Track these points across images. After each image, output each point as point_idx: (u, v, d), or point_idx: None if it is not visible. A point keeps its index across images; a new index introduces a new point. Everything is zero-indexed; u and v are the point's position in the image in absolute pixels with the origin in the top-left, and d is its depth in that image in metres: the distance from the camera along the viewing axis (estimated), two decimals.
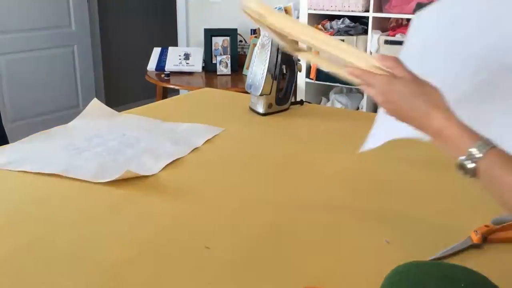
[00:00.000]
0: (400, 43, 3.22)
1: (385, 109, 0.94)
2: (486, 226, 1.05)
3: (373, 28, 3.31)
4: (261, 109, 1.90)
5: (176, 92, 4.40)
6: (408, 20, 3.34)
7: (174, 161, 1.47)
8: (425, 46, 1.20)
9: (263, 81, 1.83)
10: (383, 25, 3.42)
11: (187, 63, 4.08)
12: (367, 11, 3.30)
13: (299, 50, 1.12)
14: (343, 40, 3.35)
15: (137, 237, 1.06)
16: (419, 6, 3.10)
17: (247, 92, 1.98)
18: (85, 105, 1.93)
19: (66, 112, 4.78)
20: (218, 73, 3.99)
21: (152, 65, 4.14)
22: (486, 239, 1.03)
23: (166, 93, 4.09)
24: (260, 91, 1.84)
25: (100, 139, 1.62)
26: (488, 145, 0.79)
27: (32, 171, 1.37)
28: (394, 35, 3.26)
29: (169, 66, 4.05)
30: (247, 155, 1.54)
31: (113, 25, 5.55)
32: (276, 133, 1.74)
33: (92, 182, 1.32)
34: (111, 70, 5.57)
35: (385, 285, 0.76)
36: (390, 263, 0.81)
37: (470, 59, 1.09)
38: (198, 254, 0.99)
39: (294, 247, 1.02)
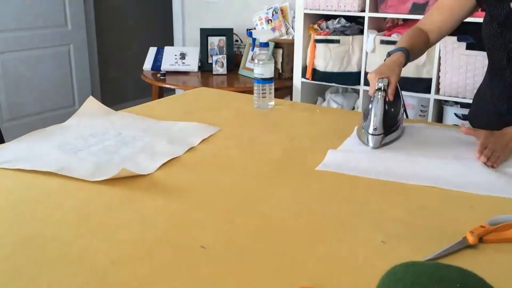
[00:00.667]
0: (395, 43, 3.22)
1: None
2: (482, 226, 1.05)
3: (369, 28, 3.31)
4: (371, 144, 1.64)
5: (172, 91, 4.41)
6: (404, 20, 3.35)
7: (170, 160, 1.47)
8: None
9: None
10: (379, 25, 3.42)
11: (183, 63, 4.08)
12: (363, 11, 3.30)
13: None
14: (338, 41, 3.37)
15: (133, 236, 1.06)
16: (415, 6, 3.11)
17: (243, 92, 1.97)
18: (81, 105, 1.92)
19: (62, 111, 4.78)
20: (214, 72, 4.00)
21: (148, 64, 4.14)
22: (482, 240, 1.03)
23: (162, 92, 4.09)
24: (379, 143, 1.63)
25: (96, 138, 1.62)
26: None
27: (28, 169, 1.37)
28: (390, 35, 3.26)
29: (165, 66, 4.05)
30: (243, 155, 1.54)
31: (109, 24, 5.54)
32: (272, 133, 1.74)
33: (88, 181, 1.32)
34: (107, 69, 5.57)
35: (380, 285, 0.76)
36: (386, 263, 0.81)
37: None
38: (193, 254, 0.99)
39: (290, 247, 1.02)
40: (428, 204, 1.22)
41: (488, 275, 0.76)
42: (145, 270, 0.94)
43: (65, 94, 4.95)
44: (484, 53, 1.83)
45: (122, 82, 5.74)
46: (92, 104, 1.91)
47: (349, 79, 3.43)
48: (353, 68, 3.40)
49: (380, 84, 1.58)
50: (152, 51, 4.22)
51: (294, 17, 3.72)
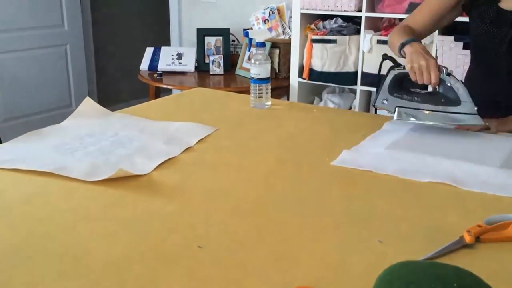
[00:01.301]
0: None
1: None
2: (479, 226, 1.05)
3: (366, 28, 3.32)
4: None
5: (168, 92, 4.40)
6: (401, 20, 3.34)
7: (166, 160, 1.47)
8: None
9: None
10: (376, 25, 3.42)
11: (179, 63, 4.07)
12: (360, 11, 3.30)
13: None
14: (335, 41, 3.37)
15: (129, 236, 1.06)
16: (412, 6, 3.11)
17: (239, 92, 1.97)
18: (77, 105, 1.92)
19: (59, 111, 4.77)
20: (210, 72, 3.99)
21: (144, 64, 4.13)
22: (479, 239, 1.03)
23: (159, 92, 4.08)
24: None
25: (92, 139, 1.62)
26: None
27: (25, 170, 1.37)
28: (386, 35, 3.26)
29: (162, 66, 4.04)
30: (240, 155, 1.54)
31: (105, 24, 5.54)
32: (269, 133, 1.74)
33: (85, 181, 1.31)
34: (103, 69, 5.56)
35: (377, 284, 0.76)
36: (383, 263, 0.81)
37: None
38: (190, 253, 0.99)
39: (286, 247, 1.02)
40: (425, 203, 1.22)
41: (485, 274, 0.76)
42: (142, 270, 0.93)
43: (62, 94, 4.94)
44: None
45: (119, 82, 5.73)
46: (89, 105, 1.91)
47: (346, 79, 3.43)
48: (350, 68, 3.40)
49: (447, 70, 1.65)
50: (149, 51, 4.21)
51: (291, 17, 3.72)
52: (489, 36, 1.78)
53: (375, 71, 2.86)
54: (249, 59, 3.85)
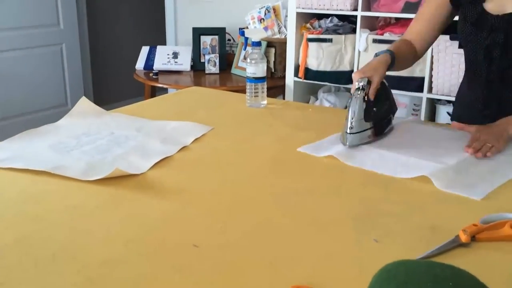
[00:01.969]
0: (388, 42, 3.23)
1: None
2: (474, 225, 1.05)
3: (362, 27, 3.32)
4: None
5: (164, 91, 4.40)
6: (397, 19, 3.35)
7: (162, 159, 1.47)
8: None
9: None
10: (372, 24, 3.42)
11: (175, 62, 4.07)
12: (356, 10, 3.30)
13: None
14: (331, 40, 3.37)
15: (125, 236, 1.06)
16: (408, 5, 3.11)
17: (235, 91, 1.97)
18: (73, 104, 1.92)
19: (55, 110, 4.76)
20: (206, 72, 3.99)
21: (140, 64, 4.13)
22: (475, 238, 1.03)
23: (155, 92, 4.08)
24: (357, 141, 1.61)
25: (89, 138, 1.62)
26: None
27: (20, 169, 1.37)
28: (382, 34, 3.26)
29: (158, 65, 4.04)
30: (236, 154, 1.54)
31: (101, 23, 5.53)
32: (265, 132, 1.74)
33: (81, 180, 1.31)
34: (99, 69, 5.55)
35: (373, 284, 0.76)
36: (379, 262, 0.82)
37: None
38: (186, 253, 0.99)
39: (282, 246, 1.02)
40: (421, 203, 1.22)
41: (481, 274, 0.76)
42: (137, 269, 0.93)
43: (58, 93, 4.93)
44: None
45: (115, 81, 5.72)
46: (84, 104, 1.91)
47: (341, 78, 3.43)
48: (345, 67, 3.41)
49: (359, 84, 1.57)
50: (145, 50, 4.21)
51: (286, 16, 3.72)
52: (470, 38, 1.73)
53: None
54: (244, 58, 3.85)
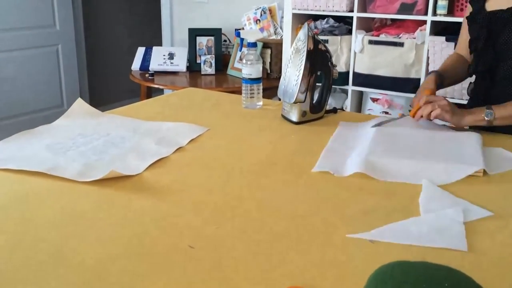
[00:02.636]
0: (384, 43, 3.23)
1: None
2: None
3: (358, 28, 3.32)
4: (294, 118, 1.81)
5: (160, 91, 4.40)
6: (393, 20, 3.36)
7: (158, 160, 1.46)
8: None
9: (297, 88, 1.73)
10: (368, 25, 3.43)
11: (171, 63, 4.07)
12: (351, 11, 3.31)
13: None
14: (327, 41, 3.38)
15: (121, 237, 1.05)
16: (404, 6, 3.12)
17: (231, 92, 1.97)
18: (69, 105, 1.92)
19: (51, 111, 4.76)
20: (202, 72, 3.99)
21: (136, 64, 4.13)
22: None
23: (151, 92, 4.08)
24: (294, 98, 1.74)
25: (84, 139, 1.62)
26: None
27: (16, 169, 1.37)
28: (378, 35, 3.27)
29: (154, 66, 4.04)
30: (231, 155, 1.54)
31: (97, 24, 5.52)
32: (261, 133, 1.74)
33: (77, 181, 1.31)
34: (95, 69, 5.55)
35: (369, 284, 0.76)
36: (374, 263, 0.82)
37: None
38: (181, 254, 0.99)
39: (278, 247, 1.02)
40: (417, 203, 1.22)
41: (477, 275, 0.76)
42: (133, 270, 0.93)
43: (54, 94, 4.92)
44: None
45: (111, 82, 5.72)
46: (80, 106, 1.90)
47: (337, 79, 3.41)
48: (341, 68, 3.41)
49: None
50: (141, 51, 4.21)
51: (282, 17, 3.73)
52: (470, 33, 1.85)
53: (367, 71, 2.86)
54: (240, 59, 3.86)
